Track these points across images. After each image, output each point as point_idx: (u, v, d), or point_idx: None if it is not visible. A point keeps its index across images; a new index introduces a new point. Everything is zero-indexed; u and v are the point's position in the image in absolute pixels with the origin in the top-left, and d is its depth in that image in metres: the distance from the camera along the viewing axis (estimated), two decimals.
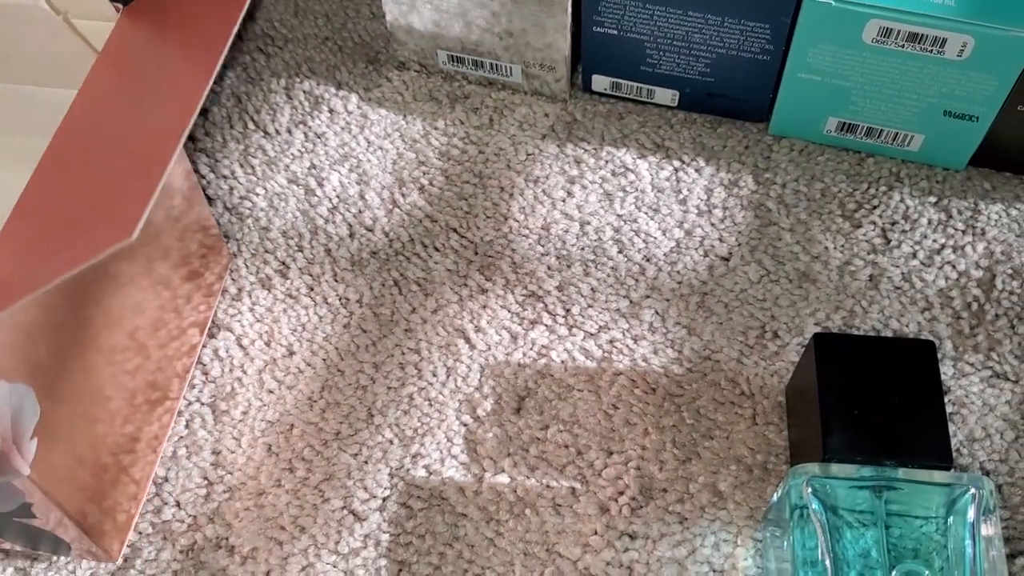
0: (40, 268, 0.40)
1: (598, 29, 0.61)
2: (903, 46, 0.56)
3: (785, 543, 0.49)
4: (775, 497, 0.51)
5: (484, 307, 0.59)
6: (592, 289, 0.60)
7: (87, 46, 0.50)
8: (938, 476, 0.48)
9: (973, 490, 0.47)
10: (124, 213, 0.40)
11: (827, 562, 0.47)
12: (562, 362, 0.57)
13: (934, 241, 0.60)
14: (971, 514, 0.47)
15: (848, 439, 0.49)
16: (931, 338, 0.57)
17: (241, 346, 0.59)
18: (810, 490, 0.47)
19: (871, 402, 0.50)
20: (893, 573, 0.46)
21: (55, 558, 0.53)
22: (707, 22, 0.58)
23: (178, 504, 0.55)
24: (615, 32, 0.61)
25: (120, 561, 0.53)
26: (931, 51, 0.56)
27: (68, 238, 0.41)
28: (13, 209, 0.42)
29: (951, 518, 0.47)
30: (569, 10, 0.60)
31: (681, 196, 0.62)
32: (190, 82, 0.44)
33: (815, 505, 0.47)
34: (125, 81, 0.47)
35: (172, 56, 0.47)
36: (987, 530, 0.47)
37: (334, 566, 0.52)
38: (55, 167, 0.44)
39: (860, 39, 0.56)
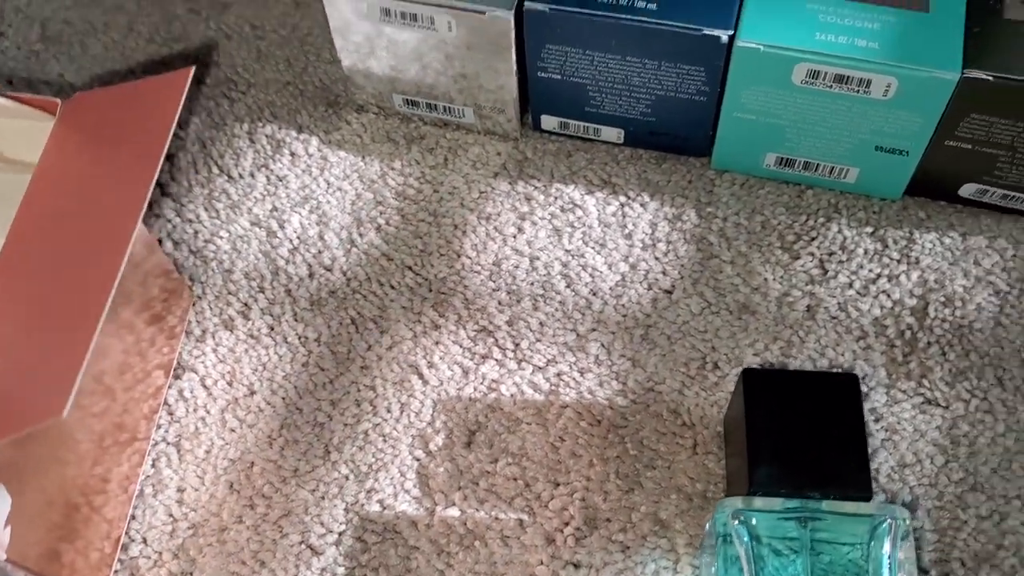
0: None
1: (542, 74, 0.63)
2: (831, 87, 0.58)
3: (713, 569, 0.51)
4: (708, 526, 0.53)
5: (437, 343, 0.62)
6: (541, 323, 0.62)
7: (29, 168, 0.50)
8: (859, 507, 0.50)
9: (890, 520, 0.49)
10: (55, 384, 0.40)
11: None
12: (511, 396, 0.60)
13: (870, 271, 0.63)
14: (887, 545, 0.49)
15: (773, 473, 0.51)
16: (865, 367, 0.60)
17: (205, 386, 0.61)
18: (736, 521, 0.50)
19: (796, 435, 0.52)
20: None
21: None
22: (644, 66, 0.61)
23: (144, 541, 0.57)
24: (558, 76, 0.63)
25: None
26: (857, 91, 0.58)
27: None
28: None
29: (872, 543, 0.50)
30: (514, 56, 0.62)
31: (627, 231, 0.64)
32: (123, 208, 0.45)
33: (742, 534, 0.50)
34: (60, 200, 0.47)
35: (107, 172, 0.48)
36: (901, 554, 0.49)
37: None
38: None
39: (790, 81, 0.58)
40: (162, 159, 0.45)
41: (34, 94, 0.50)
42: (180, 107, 0.45)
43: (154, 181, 0.45)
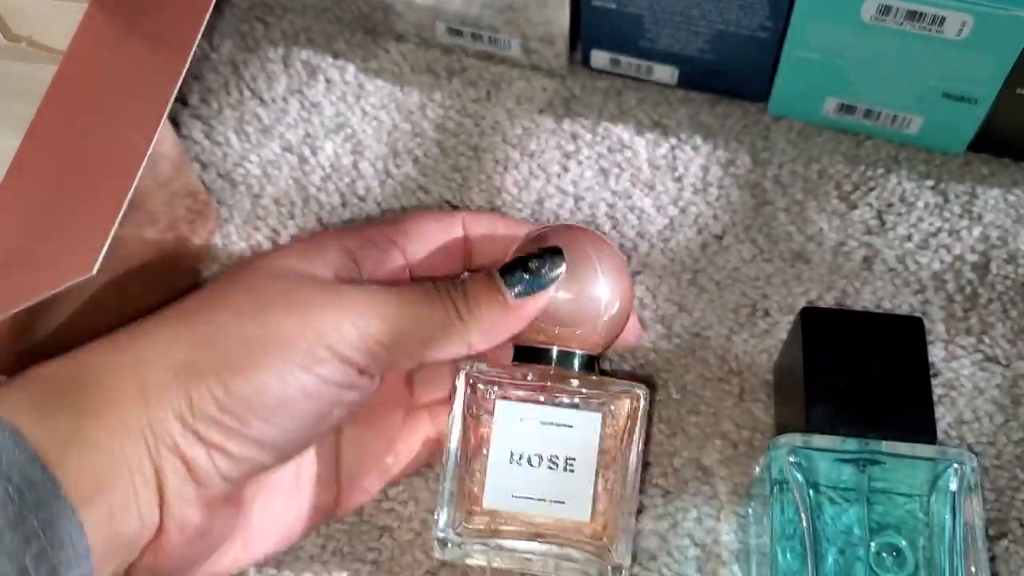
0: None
1: (597, 3, 0.60)
2: (902, 24, 0.55)
3: (765, 518, 0.48)
4: (757, 471, 0.50)
5: None
6: None
7: (57, 55, 0.48)
8: (922, 450, 0.47)
9: (956, 465, 0.47)
10: (84, 244, 0.39)
11: (806, 537, 0.46)
12: None
13: (930, 224, 0.60)
14: (953, 487, 0.46)
15: (832, 411, 0.48)
16: (923, 320, 0.57)
17: None
18: (792, 461, 0.47)
19: (856, 376, 0.49)
20: (872, 544, 0.46)
21: None
22: None
23: None
24: (613, 6, 0.60)
25: None
26: (930, 30, 0.55)
27: (28, 266, 0.40)
28: None
29: (933, 496, 0.47)
30: None
31: (677, 174, 0.62)
32: (155, 90, 0.43)
33: (798, 477, 0.47)
34: (90, 84, 0.46)
35: (139, 57, 0.46)
36: (968, 507, 0.46)
37: None
38: (15, 185, 0.43)
39: (859, 16, 0.56)
40: (196, 44, 0.42)
41: None
42: None
43: (185, 67, 0.42)
